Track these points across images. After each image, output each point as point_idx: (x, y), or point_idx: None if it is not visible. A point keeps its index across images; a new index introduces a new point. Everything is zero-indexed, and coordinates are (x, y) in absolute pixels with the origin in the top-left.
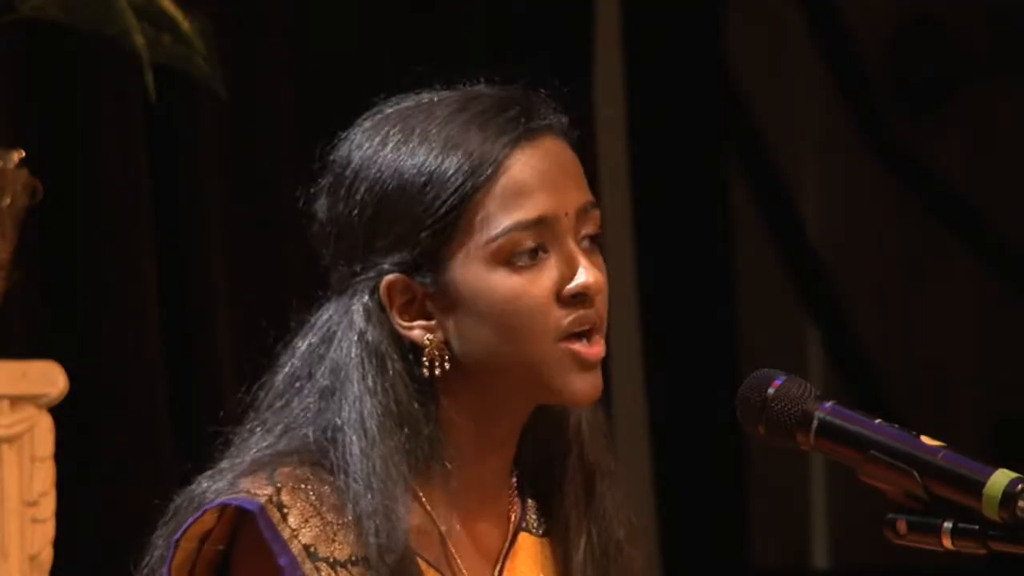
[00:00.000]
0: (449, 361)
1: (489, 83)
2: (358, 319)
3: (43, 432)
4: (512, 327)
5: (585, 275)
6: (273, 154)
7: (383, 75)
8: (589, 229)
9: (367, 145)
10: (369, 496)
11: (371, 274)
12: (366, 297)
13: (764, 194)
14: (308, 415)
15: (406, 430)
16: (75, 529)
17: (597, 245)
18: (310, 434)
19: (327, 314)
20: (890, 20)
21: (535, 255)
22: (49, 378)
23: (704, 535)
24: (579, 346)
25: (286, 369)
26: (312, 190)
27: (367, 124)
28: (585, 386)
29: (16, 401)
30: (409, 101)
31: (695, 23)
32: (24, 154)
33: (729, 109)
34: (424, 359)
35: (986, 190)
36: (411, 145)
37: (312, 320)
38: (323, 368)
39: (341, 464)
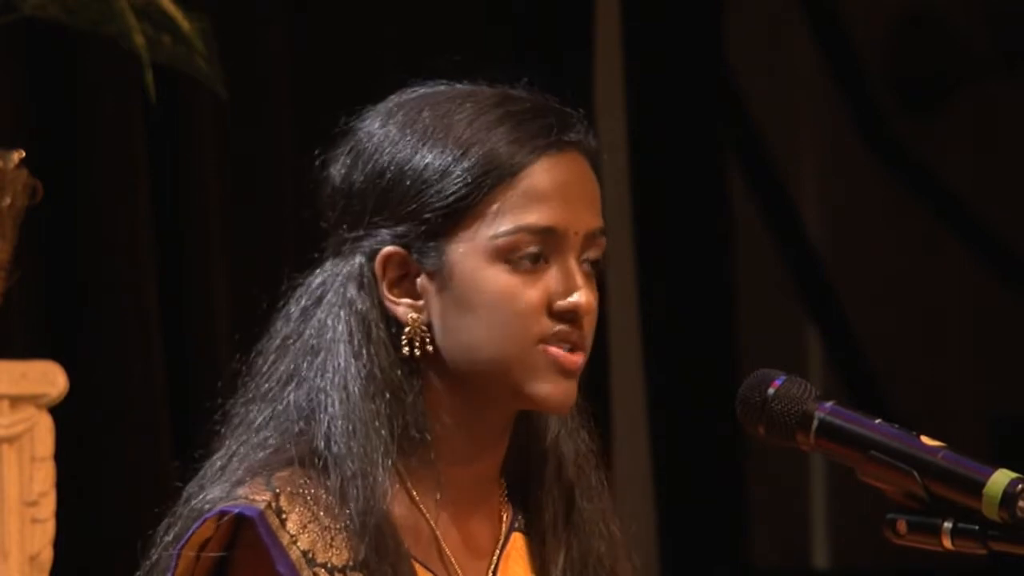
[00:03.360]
0: (430, 345)
1: (527, 87)
2: (350, 284)
3: (43, 432)
4: (496, 325)
5: (579, 295)
6: (273, 154)
7: (383, 75)
8: (591, 254)
9: (394, 122)
10: (349, 461)
11: (370, 241)
12: (361, 263)
13: (764, 194)
14: (296, 379)
15: (387, 395)
16: (75, 529)
17: (595, 272)
18: (296, 407)
19: (321, 276)
20: (890, 20)
21: (536, 261)
22: (49, 378)
23: (704, 535)
24: (559, 351)
25: (281, 333)
26: (328, 154)
27: (398, 101)
28: (559, 391)
29: (16, 401)
30: (443, 87)
31: (695, 23)
32: (24, 154)
33: (729, 109)
34: (404, 337)
35: (986, 190)
36: (438, 131)
37: (306, 282)
38: (312, 329)
39: (323, 430)
